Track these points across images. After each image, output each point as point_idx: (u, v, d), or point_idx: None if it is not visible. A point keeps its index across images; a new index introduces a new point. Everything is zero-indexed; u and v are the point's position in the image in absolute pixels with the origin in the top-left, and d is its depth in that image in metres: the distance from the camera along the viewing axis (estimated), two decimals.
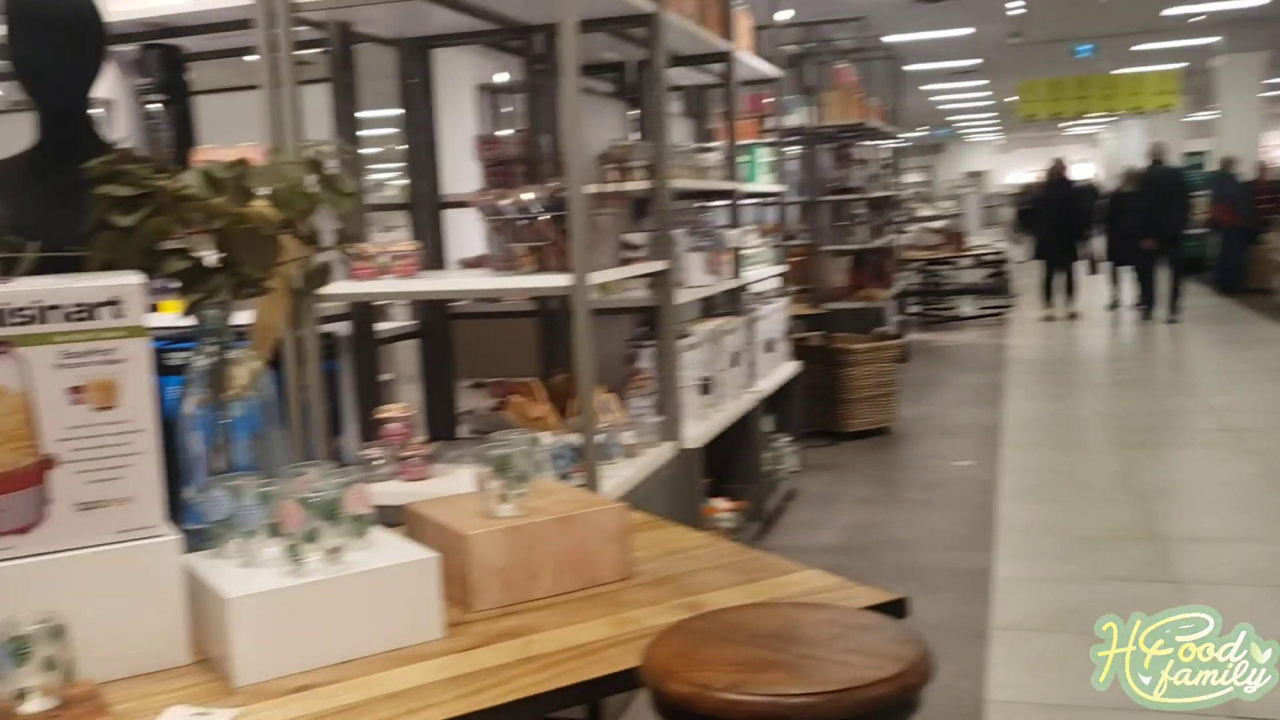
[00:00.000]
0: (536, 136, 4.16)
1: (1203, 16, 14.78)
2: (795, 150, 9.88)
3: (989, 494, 5.77)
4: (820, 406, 7.09)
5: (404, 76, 4.06)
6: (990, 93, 24.09)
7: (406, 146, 4.09)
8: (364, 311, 3.77)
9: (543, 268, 3.29)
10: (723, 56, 4.87)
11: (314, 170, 1.99)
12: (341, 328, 3.77)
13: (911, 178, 36.80)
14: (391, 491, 3.39)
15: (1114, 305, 13.64)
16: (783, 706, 1.30)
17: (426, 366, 4.18)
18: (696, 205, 5.17)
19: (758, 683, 1.35)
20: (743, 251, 5.29)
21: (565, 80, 3.13)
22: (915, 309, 13.53)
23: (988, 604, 4.19)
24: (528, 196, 3.26)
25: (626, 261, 3.71)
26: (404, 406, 3.55)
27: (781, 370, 5.61)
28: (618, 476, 3.45)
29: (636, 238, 4.01)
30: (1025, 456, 6.59)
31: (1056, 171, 13.03)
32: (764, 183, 5.62)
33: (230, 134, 3.70)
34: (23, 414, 1.56)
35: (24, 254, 1.82)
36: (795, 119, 9.21)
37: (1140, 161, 14.58)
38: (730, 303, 4.98)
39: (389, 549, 1.81)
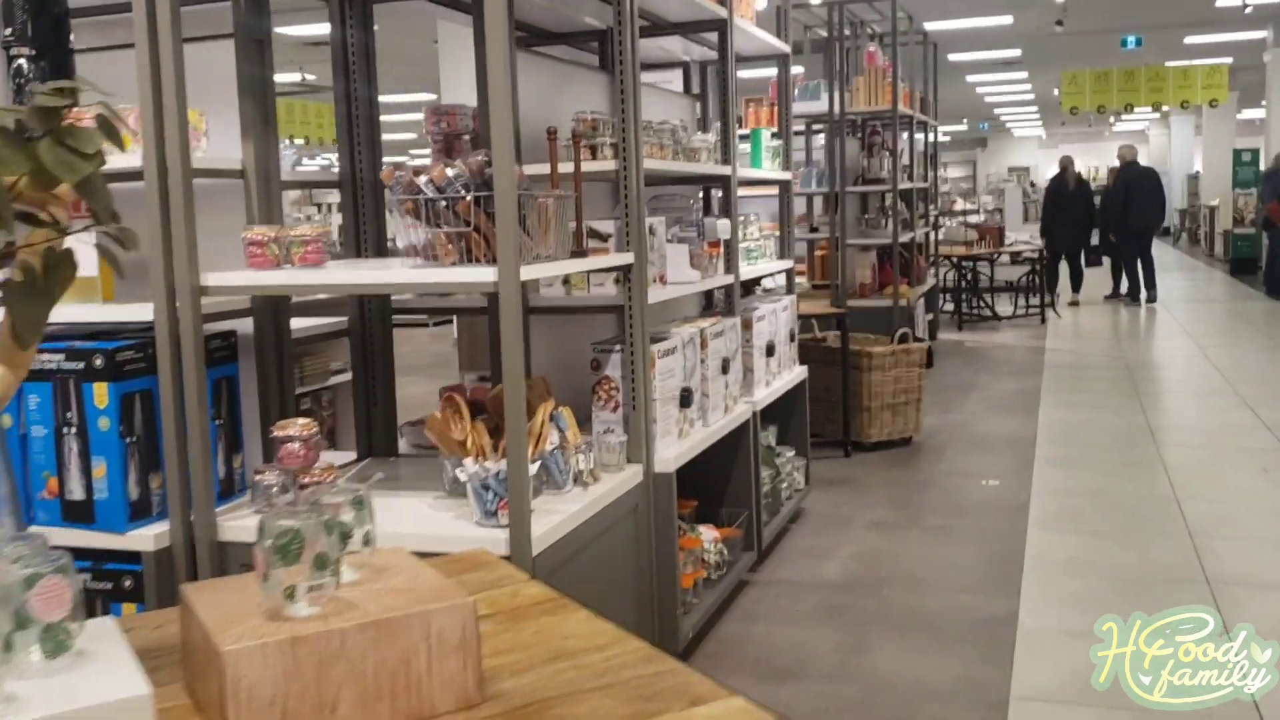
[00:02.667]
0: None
1: (1250, 9, 13.85)
2: (821, 138, 9.26)
3: (1018, 520, 5.13)
4: (836, 414, 6.47)
5: (338, 34, 3.48)
6: (1030, 85, 23.23)
7: (339, 116, 3.51)
8: (271, 306, 3.19)
9: (468, 258, 2.70)
10: (717, 24, 4.26)
11: (40, 122, 1.41)
12: (246, 324, 3.20)
13: (955, 172, 35.93)
14: None
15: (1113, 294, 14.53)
16: None
17: (361, 370, 3.60)
18: (687, 192, 4.55)
19: None
20: (743, 245, 4.69)
21: (492, 30, 2.53)
22: (950, 308, 12.84)
23: (1009, 665, 3.56)
24: (451, 172, 2.67)
25: (583, 253, 3.11)
26: (305, 423, 2.97)
27: (786, 376, 4.99)
28: (562, 512, 2.86)
29: (606, 226, 3.42)
30: (1060, 476, 5.93)
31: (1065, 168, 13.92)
32: (770, 169, 4.99)
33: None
34: None
35: None
36: (819, 104, 8.58)
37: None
38: (723, 302, 4.37)
39: (90, 674, 1.23)
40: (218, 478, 3.03)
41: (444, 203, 2.67)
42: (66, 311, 2.93)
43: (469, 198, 2.64)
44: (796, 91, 8.86)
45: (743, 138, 4.90)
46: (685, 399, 3.68)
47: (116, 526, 2.87)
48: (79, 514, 2.89)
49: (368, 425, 3.60)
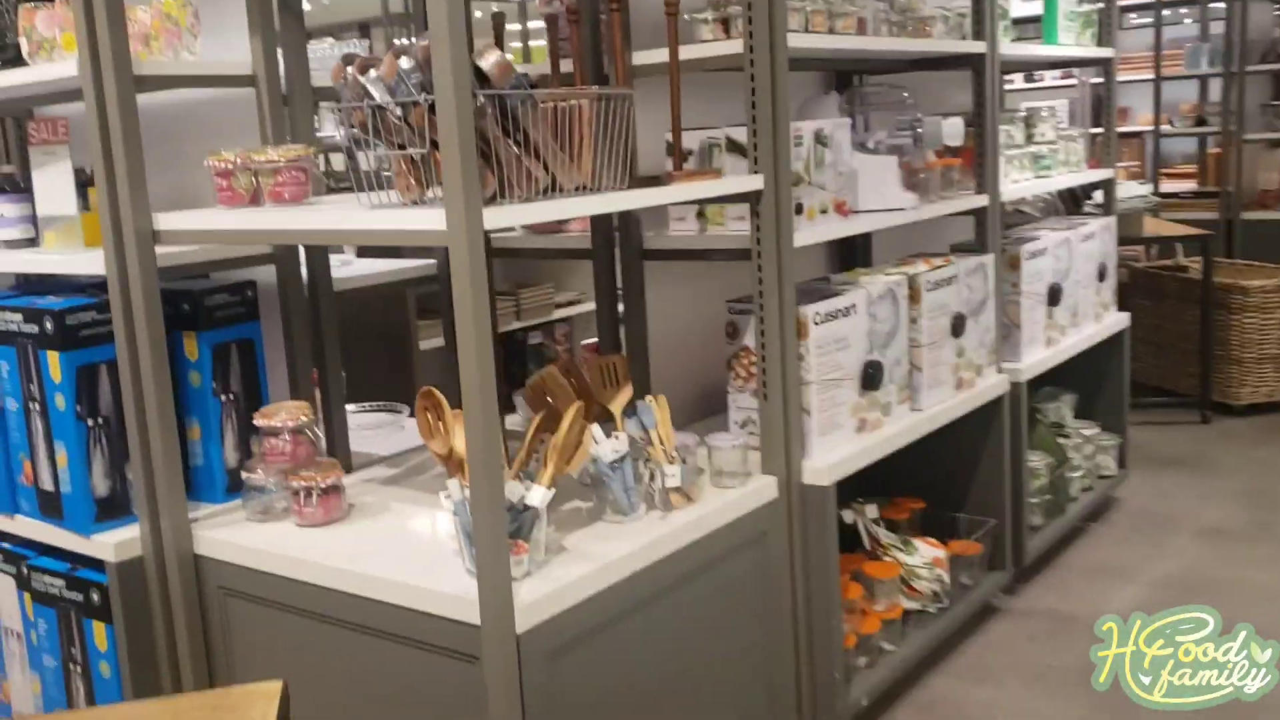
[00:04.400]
0: None
1: None
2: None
3: None
4: (1194, 366, 4.99)
5: None
6: None
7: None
8: (291, 253, 2.49)
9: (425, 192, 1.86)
10: None
11: None
12: (267, 274, 2.53)
13: None
14: (263, 548, 2.16)
15: None
16: None
17: (448, 323, 2.86)
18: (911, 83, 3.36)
19: None
20: (1029, 149, 3.48)
21: None
22: None
23: None
24: (406, 64, 1.81)
25: (655, 180, 2.15)
26: (295, 408, 2.27)
27: (1088, 330, 3.73)
28: (599, 556, 1.99)
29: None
30: None
31: None
32: (1073, 44, 3.67)
33: None
34: None
35: None
36: None
37: None
38: (980, 231, 3.20)
39: None
40: (223, 468, 2.41)
41: (397, 111, 1.82)
42: (44, 260, 2.39)
43: (424, 101, 1.77)
44: None
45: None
46: (871, 378, 2.64)
47: (81, 527, 2.31)
48: (51, 507, 2.37)
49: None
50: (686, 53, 2.33)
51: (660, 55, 2.34)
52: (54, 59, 2.27)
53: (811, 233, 2.47)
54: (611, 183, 1.99)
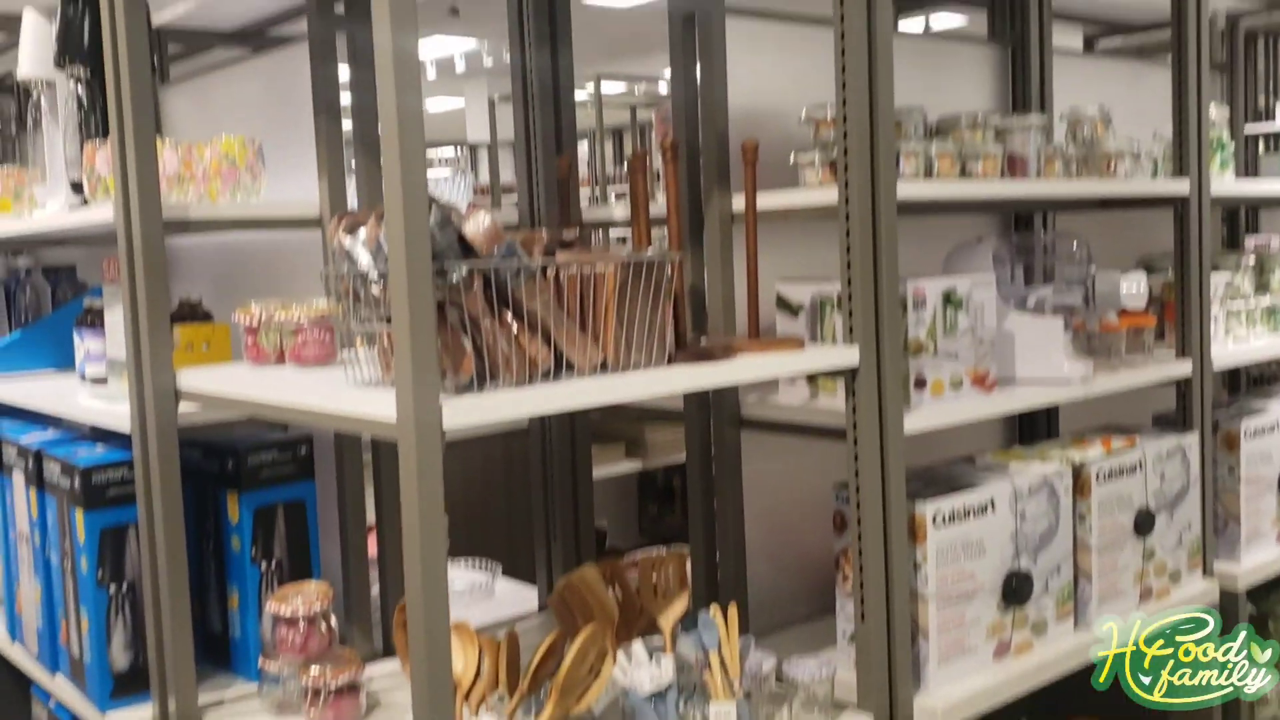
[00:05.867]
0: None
1: None
2: None
3: None
4: None
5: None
6: None
7: (515, 109, 2.50)
8: None
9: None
10: None
11: None
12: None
13: None
14: None
15: None
16: None
17: (541, 486, 2.57)
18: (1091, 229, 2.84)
19: None
20: (1264, 303, 2.91)
21: None
22: None
23: None
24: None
25: (707, 353, 1.77)
26: (314, 592, 2.01)
27: None
28: None
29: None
30: None
31: None
32: None
33: None
34: None
35: None
36: None
37: None
38: (1182, 406, 2.63)
39: None
40: (259, 643, 2.18)
41: (376, 279, 1.56)
42: (79, 408, 2.25)
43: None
44: None
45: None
46: (1016, 591, 2.13)
47: (99, 701, 2.13)
48: (78, 674, 2.21)
49: (548, 564, 2.54)
50: (780, 200, 2.00)
51: (771, 200, 2.01)
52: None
53: (935, 411, 2.04)
54: (644, 358, 1.65)
